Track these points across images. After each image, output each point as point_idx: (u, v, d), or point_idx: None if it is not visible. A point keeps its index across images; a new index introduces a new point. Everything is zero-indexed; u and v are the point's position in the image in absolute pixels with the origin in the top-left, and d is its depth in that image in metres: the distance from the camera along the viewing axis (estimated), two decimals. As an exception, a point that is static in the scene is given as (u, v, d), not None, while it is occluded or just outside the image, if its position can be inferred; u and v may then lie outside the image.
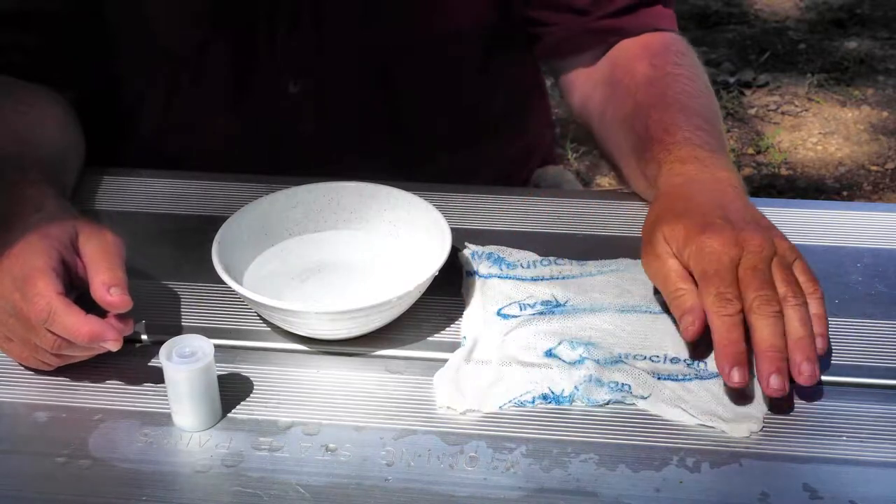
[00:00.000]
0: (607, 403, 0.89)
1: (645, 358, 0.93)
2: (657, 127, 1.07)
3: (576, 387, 0.89)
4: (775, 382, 0.86)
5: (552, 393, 0.90)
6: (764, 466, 0.84)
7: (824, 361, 0.92)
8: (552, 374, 0.91)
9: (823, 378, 0.91)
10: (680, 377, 0.91)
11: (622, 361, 0.92)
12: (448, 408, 0.89)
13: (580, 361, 0.92)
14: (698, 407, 0.88)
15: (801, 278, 0.92)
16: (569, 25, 1.21)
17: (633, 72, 1.16)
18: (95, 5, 1.17)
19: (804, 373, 0.87)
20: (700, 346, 0.93)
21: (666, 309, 0.97)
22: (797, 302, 0.89)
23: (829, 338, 0.90)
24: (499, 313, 0.97)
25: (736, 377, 0.86)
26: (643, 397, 0.89)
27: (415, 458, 0.85)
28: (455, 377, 0.91)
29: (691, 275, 0.92)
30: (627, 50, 1.19)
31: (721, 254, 0.90)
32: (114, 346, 0.88)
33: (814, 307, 0.90)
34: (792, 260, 0.92)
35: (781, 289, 0.90)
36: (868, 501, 0.81)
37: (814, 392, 0.90)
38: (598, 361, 0.91)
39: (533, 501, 0.81)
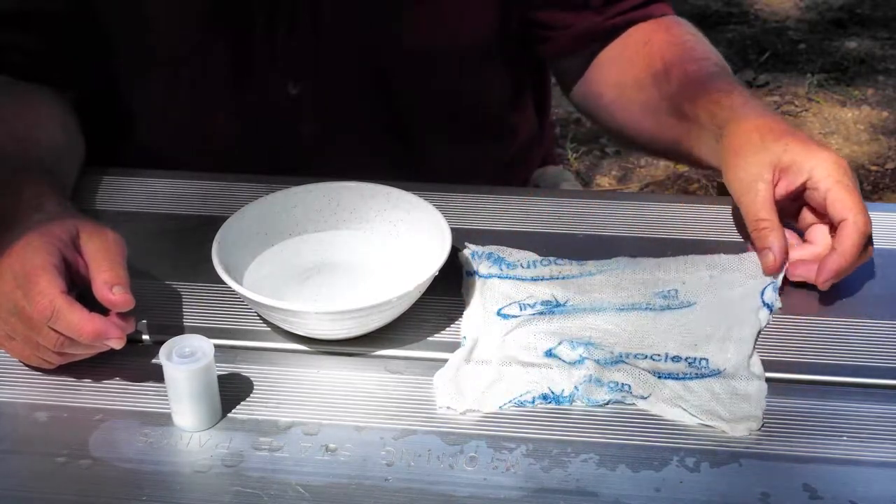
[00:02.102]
0: (607, 403, 0.89)
1: (646, 357, 0.93)
2: (701, 75, 1.12)
3: (576, 387, 0.89)
4: (827, 284, 0.97)
5: (552, 393, 0.90)
6: (764, 466, 0.84)
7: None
8: (552, 374, 0.91)
9: (823, 378, 0.92)
10: (681, 376, 0.91)
11: (623, 361, 0.92)
12: (448, 408, 0.89)
13: (580, 361, 0.92)
14: (699, 406, 0.88)
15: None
16: (582, 25, 1.23)
17: (651, 41, 1.20)
18: (95, 6, 1.17)
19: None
20: (701, 343, 0.93)
21: (666, 305, 0.98)
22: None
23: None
24: (499, 313, 0.97)
25: (827, 285, 0.97)
26: (643, 397, 0.89)
27: (415, 458, 0.85)
28: (455, 377, 0.91)
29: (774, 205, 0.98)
30: (640, 29, 1.23)
31: (849, 171, 0.98)
32: (117, 343, 0.88)
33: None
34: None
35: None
36: (868, 501, 0.81)
37: (814, 392, 0.90)
38: (597, 361, 0.91)
39: (533, 501, 0.81)
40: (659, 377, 0.91)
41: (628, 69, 1.21)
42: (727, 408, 0.88)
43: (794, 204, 1.02)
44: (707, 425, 0.87)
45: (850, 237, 0.96)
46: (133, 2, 1.18)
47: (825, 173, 0.98)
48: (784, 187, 0.99)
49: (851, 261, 0.96)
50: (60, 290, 0.87)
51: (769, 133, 1.01)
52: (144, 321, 0.97)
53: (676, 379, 0.91)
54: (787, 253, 0.98)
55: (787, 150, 0.99)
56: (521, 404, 0.89)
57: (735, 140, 1.02)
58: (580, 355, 0.92)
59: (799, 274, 0.99)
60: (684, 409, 0.88)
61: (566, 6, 1.22)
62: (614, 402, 0.89)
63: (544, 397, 0.89)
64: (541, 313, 0.97)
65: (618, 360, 0.92)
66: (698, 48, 1.19)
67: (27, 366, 0.93)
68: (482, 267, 1.02)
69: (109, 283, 0.88)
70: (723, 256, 1.02)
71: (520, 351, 0.93)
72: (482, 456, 0.85)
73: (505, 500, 0.82)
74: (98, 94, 1.23)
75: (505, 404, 0.89)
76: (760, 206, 0.98)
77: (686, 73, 1.13)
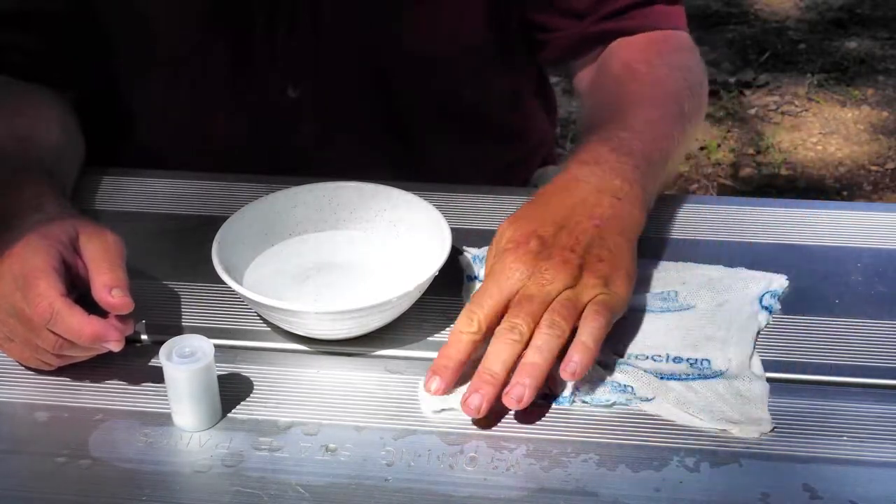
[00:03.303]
0: (612, 405, 0.89)
1: (647, 357, 0.93)
2: (594, 126, 1.07)
3: (577, 388, 0.89)
4: (473, 400, 0.85)
5: (549, 390, 0.89)
6: (764, 466, 0.84)
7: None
8: (552, 373, 0.91)
9: (823, 378, 0.92)
10: (683, 377, 0.91)
11: (625, 363, 0.92)
12: (434, 412, 0.89)
13: (580, 361, 0.91)
14: (706, 410, 0.88)
15: (590, 308, 0.89)
16: (572, 30, 1.21)
17: (607, 71, 1.18)
18: (95, 6, 1.17)
19: (511, 394, 0.85)
20: (702, 344, 0.93)
21: (666, 307, 0.98)
22: (547, 331, 0.87)
23: (586, 365, 0.87)
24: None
25: (432, 386, 0.87)
26: (647, 399, 0.89)
27: (415, 458, 0.85)
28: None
29: None
30: (610, 50, 1.20)
31: (504, 277, 0.90)
32: (116, 346, 0.88)
33: (583, 334, 0.88)
34: (591, 296, 0.90)
35: (544, 317, 0.88)
36: (868, 501, 0.81)
37: (814, 392, 0.90)
38: (598, 363, 0.91)
39: (533, 501, 0.81)
40: (661, 378, 0.91)
41: (587, 97, 1.20)
42: (734, 409, 0.88)
43: None
44: (717, 429, 0.87)
45: None
46: (133, 2, 1.18)
47: (488, 278, 0.92)
48: None
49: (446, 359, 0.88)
50: (59, 292, 0.87)
51: (517, 222, 0.96)
52: (144, 321, 0.97)
53: (679, 380, 0.91)
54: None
55: (503, 240, 0.95)
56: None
57: None
58: (580, 355, 0.92)
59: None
60: (692, 415, 0.88)
61: (563, 10, 1.21)
62: (619, 404, 0.89)
63: (544, 397, 0.89)
64: (541, 313, 0.97)
65: (619, 362, 0.92)
66: (631, 86, 1.11)
67: (26, 367, 0.93)
68: (483, 271, 1.02)
69: (108, 286, 0.88)
70: (720, 268, 1.02)
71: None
72: (482, 456, 0.85)
73: (505, 500, 0.82)
74: (98, 94, 1.23)
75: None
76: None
77: (590, 116, 1.10)
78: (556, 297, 0.89)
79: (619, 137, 1.02)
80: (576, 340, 0.88)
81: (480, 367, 0.87)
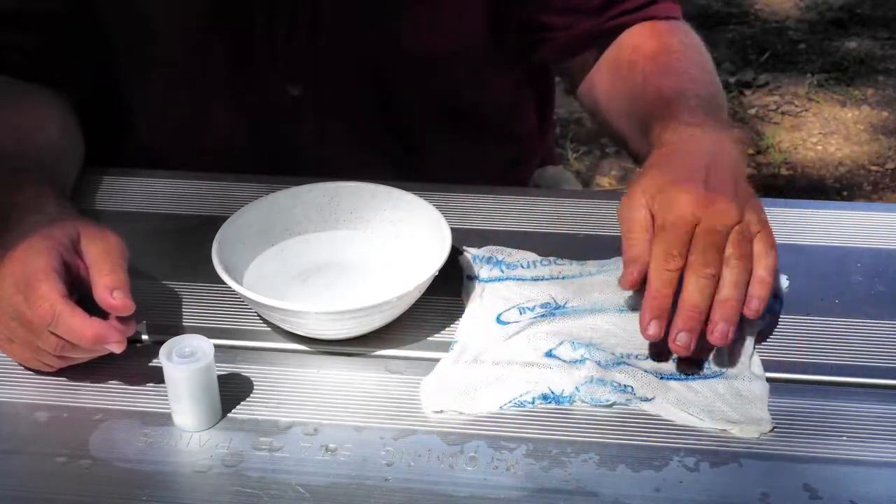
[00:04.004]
0: (612, 405, 0.89)
1: (647, 357, 0.93)
2: (665, 94, 1.10)
3: (577, 387, 0.89)
4: (682, 339, 0.88)
5: (552, 393, 0.90)
6: (764, 466, 0.84)
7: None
8: (552, 374, 0.91)
9: (823, 378, 0.92)
10: (683, 376, 0.91)
11: (625, 363, 0.92)
12: (436, 412, 0.89)
13: (581, 361, 0.92)
14: (706, 410, 0.88)
15: (759, 245, 0.92)
16: (581, 27, 1.22)
17: (640, 49, 1.19)
18: (95, 6, 1.17)
19: (716, 332, 0.88)
20: (703, 345, 0.93)
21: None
22: (737, 266, 0.90)
23: (767, 300, 0.91)
24: (498, 320, 0.97)
25: (652, 329, 0.89)
26: (647, 399, 0.89)
27: (415, 458, 0.85)
28: (443, 381, 0.91)
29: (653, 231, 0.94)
30: (634, 32, 1.22)
31: (684, 209, 0.92)
32: (117, 348, 0.88)
33: (759, 270, 0.91)
34: (756, 231, 0.93)
35: (728, 251, 0.91)
36: (868, 501, 0.81)
37: (814, 392, 0.90)
38: (599, 363, 0.91)
39: (533, 501, 0.81)
40: (661, 378, 0.91)
41: (617, 77, 1.21)
42: (734, 409, 0.88)
43: None
44: (717, 429, 0.87)
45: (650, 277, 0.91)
46: (133, 2, 1.18)
47: (661, 215, 0.93)
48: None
49: (657, 297, 0.89)
50: (61, 294, 0.87)
51: (652, 173, 0.98)
52: (144, 321, 0.97)
53: (679, 379, 0.91)
54: (645, 266, 0.92)
55: (645, 188, 0.96)
56: (521, 405, 0.89)
57: (643, 166, 1.01)
58: (581, 356, 0.92)
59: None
60: (691, 414, 0.88)
61: (565, 8, 1.22)
62: (619, 404, 0.89)
63: (544, 397, 0.89)
64: (542, 316, 0.97)
65: (619, 362, 0.92)
66: (681, 60, 1.16)
67: (27, 368, 0.93)
68: (483, 271, 1.02)
69: (110, 288, 0.88)
70: None
71: (520, 352, 0.93)
72: (482, 456, 0.85)
73: (505, 500, 0.82)
74: (98, 94, 1.23)
75: (505, 404, 0.89)
76: (636, 227, 0.95)
77: (659, 90, 1.11)
78: (731, 230, 0.92)
79: (702, 107, 1.07)
80: (754, 277, 0.91)
81: (687, 305, 0.89)
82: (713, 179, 0.95)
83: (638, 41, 1.20)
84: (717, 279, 0.90)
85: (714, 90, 1.14)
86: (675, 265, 0.90)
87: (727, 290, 0.90)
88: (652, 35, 1.20)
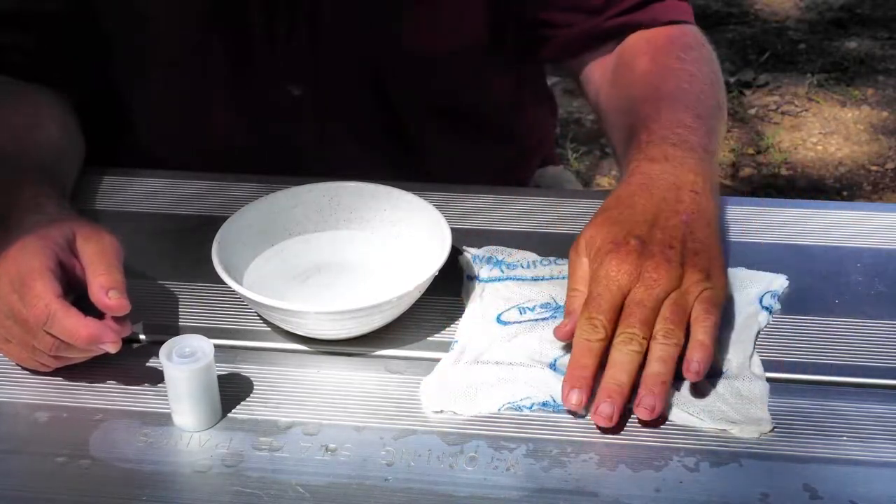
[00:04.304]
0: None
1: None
2: (642, 121, 1.06)
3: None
4: (604, 410, 0.86)
5: (553, 401, 0.89)
6: (764, 466, 0.84)
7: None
8: (555, 383, 0.90)
9: (823, 378, 0.92)
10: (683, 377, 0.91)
11: None
12: (437, 412, 0.89)
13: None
14: (706, 410, 0.88)
15: (697, 309, 0.90)
16: (582, 25, 1.21)
17: (633, 67, 1.16)
18: (95, 6, 1.17)
19: (641, 404, 0.86)
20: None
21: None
22: (665, 341, 0.89)
23: (707, 361, 0.88)
24: (498, 320, 0.97)
25: (573, 399, 0.87)
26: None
27: (415, 458, 0.85)
28: (443, 381, 0.91)
29: None
30: (633, 44, 1.19)
31: (613, 280, 0.91)
32: (112, 348, 0.88)
33: (698, 334, 0.89)
34: (696, 293, 0.91)
35: (658, 325, 0.89)
36: (868, 501, 0.81)
37: (814, 392, 0.90)
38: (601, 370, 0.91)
39: (533, 501, 0.81)
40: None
41: (615, 92, 1.18)
42: (734, 409, 0.88)
43: None
44: (717, 429, 0.86)
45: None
46: (133, 2, 1.18)
47: (593, 284, 0.92)
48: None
49: (576, 367, 0.89)
50: (56, 294, 0.87)
51: (598, 227, 0.96)
52: (144, 321, 0.97)
53: (679, 380, 0.91)
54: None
55: (596, 247, 0.94)
56: (520, 409, 0.89)
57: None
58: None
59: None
60: (692, 414, 0.87)
61: (566, 6, 1.21)
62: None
63: (544, 404, 0.89)
64: (543, 318, 0.97)
65: None
66: (670, 80, 1.12)
67: (24, 368, 0.93)
68: (483, 271, 1.02)
69: (105, 288, 0.88)
70: None
71: (524, 357, 0.93)
72: (482, 456, 0.85)
73: (505, 500, 0.82)
74: (98, 94, 1.23)
75: (503, 406, 0.89)
76: (577, 279, 0.94)
77: (638, 116, 1.08)
78: (665, 299, 0.90)
79: (677, 133, 1.03)
80: (692, 341, 0.89)
81: (607, 378, 0.88)
82: (656, 237, 0.93)
83: (632, 58, 1.17)
84: (641, 353, 0.88)
85: (701, 109, 1.08)
86: (597, 336, 0.89)
87: (654, 365, 0.88)
88: (647, 51, 1.17)
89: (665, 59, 1.16)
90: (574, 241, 0.97)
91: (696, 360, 0.88)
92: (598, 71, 1.23)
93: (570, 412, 0.88)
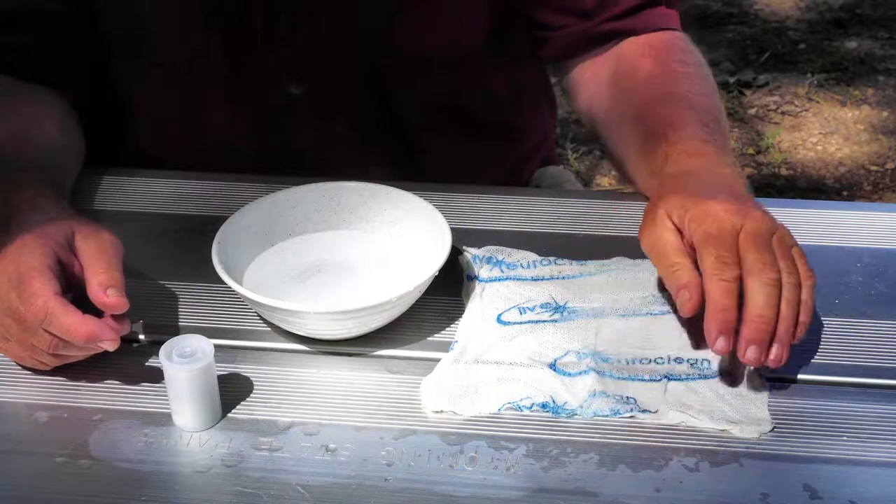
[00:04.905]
0: (616, 415, 0.88)
1: (650, 361, 0.93)
2: (664, 121, 1.07)
3: (580, 405, 0.89)
4: (752, 353, 0.85)
5: (553, 402, 0.89)
6: (764, 466, 0.84)
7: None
8: (556, 384, 0.91)
9: (823, 378, 0.92)
10: (684, 377, 0.91)
11: (629, 378, 0.91)
12: (435, 412, 0.89)
13: (585, 373, 0.91)
14: (706, 411, 0.88)
15: (798, 261, 0.90)
16: (574, 29, 1.21)
17: (637, 69, 1.16)
18: (95, 6, 1.17)
19: (772, 354, 0.86)
20: (703, 344, 0.93)
21: (666, 309, 0.97)
22: (792, 281, 0.88)
23: (807, 327, 0.88)
24: (498, 320, 0.97)
25: (721, 345, 0.86)
26: (648, 411, 0.88)
27: (415, 458, 0.85)
28: (443, 380, 0.91)
29: (689, 251, 0.91)
30: (632, 49, 1.19)
31: (723, 218, 0.90)
32: (111, 346, 0.88)
33: (804, 294, 0.88)
34: (790, 244, 0.91)
35: (780, 262, 0.88)
36: (868, 501, 0.81)
37: (814, 392, 0.90)
38: (602, 373, 0.91)
39: (533, 501, 0.81)
40: (661, 379, 0.91)
41: (615, 95, 1.18)
42: (734, 409, 0.88)
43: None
44: (717, 429, 0.86)
45: (709, 288, 0.87)
46: (133, 3, 1.18)
47: (694, 226, 0.91)
48: (685, 242, 0.93)
49: (721, 310, 0.86)
50: (54, 292, 0.87)
51: (670, 195, 0.96)
52: (144, 321, 0.97)
53: (680, 380, 0.91)
54: (701, 289, 0.88)
55: (673, 207, 0.94)
56: (519, 409, 0.89)
57: (647, 209, 0.98)
58: (587, 365, 0.92)
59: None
60: (691, 416, 0.87)
61: (560, 7, 1.21)
62: (620, 414, 0.88)
63: (544, 405, 0.89)
64: (542, 321, 0.97)
65: (624, 377, 0.91)
66: (682, 83, 1.13)
67: (23, 367, 0.93)
68: (483, 271, 1.02)
69: (104, 286, 0.88)
70: None
71: (524, 357, 0.93)
72: (482, 456, 0.85)
73: (505, 500, 0.82)
74: (98, 94, 1.23)
75: (503, 406, 0.89)
76: (669, 254, 0.92)
77: (655, 117, 1.08)
78: (773, 236, 0.90)
79: (705, 131, 1.04)
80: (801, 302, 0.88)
81: (751, 315, 0.85)
82: (736, 196, 0.94)
83: (636, 63, 1.17)
84: (780, 283, 0.87)
85: (716, 114, 1.10)
86: (732, 274, 0.87)
87: (784, 309, 0.87)
88: (649, 55, 1.17)
89: (668, 61, 1.16)
90: (643, 224, 0.95)
91: (802, 324, 0.88)
92: (589, 74, 1.23)
93: (567, 414, 0.88)
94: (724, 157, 1.02)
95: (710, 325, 0.86)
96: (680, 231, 0.93)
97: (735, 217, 0.90)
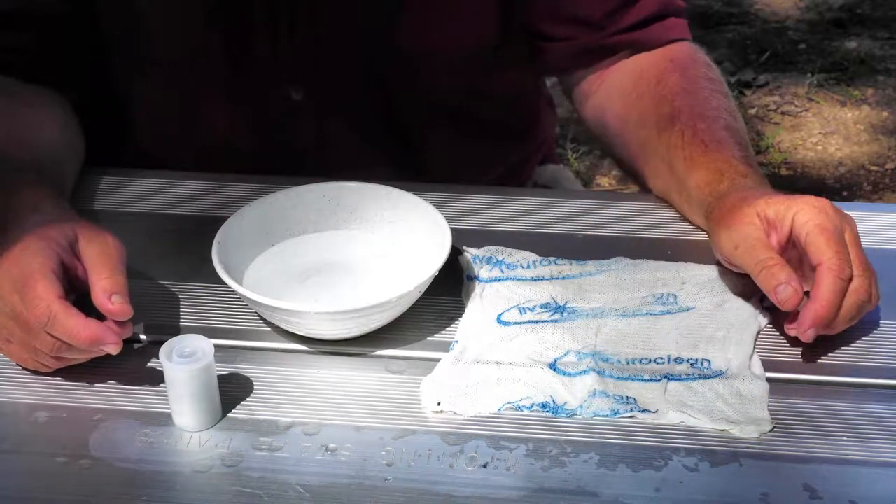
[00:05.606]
0: (616, 415, 0.88)
1: (650, 361, 0.93)
2: (708, 137, 1.07)
3: (580, 405, 0.89)
4: (812, 334, 0.90)
5: (553, 403, 0.89)
6: (764, 466, 0.84)
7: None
8: (555, 384, 0.91)
9: (823, 378, 0.92)
10: (684, 377, 0.91)
11: (629, 378, 0.91)
12: (436, 411, 0.89)
13: (585, 373, 0.91)
14: (706, 411, 0.88)
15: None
16: (581, 40, 1.20)
17: (665, 81, 1.15)
18: (95, 7, 1.17)
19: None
20: (702, 344, 0.93)
21: (666, 309, 0.97)
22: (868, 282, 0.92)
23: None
24: (498, 320, 0.97)
25: (809, 336, 0.90)
26: (649, 411, 0.88)
27: (415, 458, 0.85)
28: (443, 380, 0.91)
29: (778, 249, 0.94)
30: (654, 62, 1.18)
31: (832, 215, 0.93)
32: (113, 349, 0.88)
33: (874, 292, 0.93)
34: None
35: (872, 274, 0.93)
36: (868, 501, 0.81)
37: (814, 392, 0.90)
38: (602, 374, 0.91)
39: (533, 501, 0.81)
40: (661, 379, 0.91)
41: (635, 104, 1.16)
42: (734, 409, 0.88)
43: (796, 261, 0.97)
44: (717, 429, 0.87)
45: (824, 282, 0.90)
46: (133, 3, 1.18)
47: (805, 218, 0.93)
48: (774, 241, 0.95)
49: (829, 307, 0.89)
50: (57, 295, 0.87)
51: (752, 197, 0.97)
52: (143, 321, 0.97)
53: (679, 380, 0.91)
54: (800, 283, 0.91)
55: (768, 203, 0.95)
56: (519, 409, 0.89)
57: (723, 213, 0.99)
58: (587, 366, 0.92)
59: (790, 328, 0.93)
60: (691, 416, 0.87)
61: (566, 18, 1.20)
62: (620, 414, 0.88)
63: (543, 406, 0.89)
64: (542, 321, 0.97)
65: (624, 377, 0.91)
66: (712, 100, 1.13)
67: (24, 368, 0.93)
68: (483, 271, 1.02)
69: (108, 292, 0.88)
70: (720, 268, 1.02)
71: (524, 357, 0.93)
72: (482, 456, 0.85)
73: (505, 500, 0.82)
74: (98, 94, 1.23)
75: (503, 406, 0.89)
76: (760, 250, 0.93)
77: (694, 131, 1.08)
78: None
79: (743, 153, 1.06)
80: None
81: (822, 302, 0.89)
82: None
83: (661, 75, 1.16)
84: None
85: (744, 134, 1.11)
86: (848, 274, 0.90)
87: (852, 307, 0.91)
88: (674, 68, 1.16)
89: (696, 76, 1.16)
90: (725, 228, 0.97)
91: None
92: (597, 88, 1.22)
93: (567, 414, 0.88)
94: (758, 177, 1.04)
95: (808, 315, 0.90)
96: (767, 230, 0.95)
97: (839, 214, 0.94)
